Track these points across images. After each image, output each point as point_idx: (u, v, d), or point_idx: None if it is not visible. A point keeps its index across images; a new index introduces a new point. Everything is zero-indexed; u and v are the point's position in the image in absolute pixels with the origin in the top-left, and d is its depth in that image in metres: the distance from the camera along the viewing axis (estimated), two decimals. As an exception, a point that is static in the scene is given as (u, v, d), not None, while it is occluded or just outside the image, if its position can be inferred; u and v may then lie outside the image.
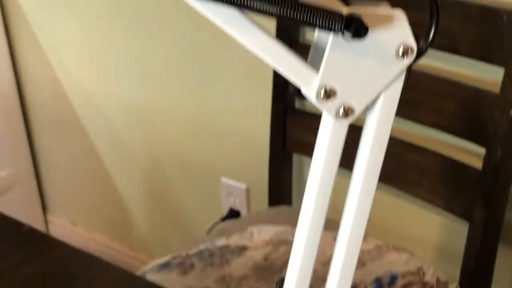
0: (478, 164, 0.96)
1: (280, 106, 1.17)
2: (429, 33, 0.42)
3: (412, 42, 0.41)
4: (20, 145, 1.78)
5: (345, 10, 0.40)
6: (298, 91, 0.43)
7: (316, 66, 0.41)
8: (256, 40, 0.40)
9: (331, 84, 0.41)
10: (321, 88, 0.41)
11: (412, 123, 1.03)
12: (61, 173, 1.84)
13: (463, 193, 0.98)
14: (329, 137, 0.43)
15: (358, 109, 0.42)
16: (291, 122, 1.17)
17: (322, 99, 0.41)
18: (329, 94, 0.41)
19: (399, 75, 0.42)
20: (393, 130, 0.44)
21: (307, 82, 0.41)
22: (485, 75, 0.99)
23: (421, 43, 0.41)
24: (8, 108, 1.72)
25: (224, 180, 1.46)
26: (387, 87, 0.42)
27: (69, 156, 1.78)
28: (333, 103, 0.42)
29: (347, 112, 0.42)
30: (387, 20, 0.40)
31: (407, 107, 0.99)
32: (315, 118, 1.14)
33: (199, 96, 1.42)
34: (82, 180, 1.80)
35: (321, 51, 0.41)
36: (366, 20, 0.38)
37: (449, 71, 1.02)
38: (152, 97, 1.50)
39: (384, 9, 0.40)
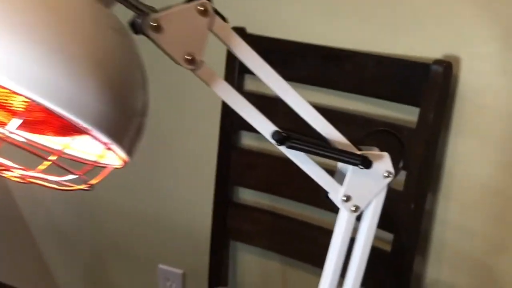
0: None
1: (222, 199, 1.41)
2: (399, 164, 0.71)
3: (392, 170, 0.70)
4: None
5: (359, 151, 0.69)
6: (326, 196, 0.70)
7: (340, 181, 0.69)
8: (310, 170, 0.67)
9: (349, 193, 0.69)
10: (344, 196, 0.69)
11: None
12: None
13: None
14: (344, 225, 0.71)
15: (362, 207, 0.70)
16: (231, 213, 1.41)
17: (343, 202, 0.69)
18: (347, 199, 0.69)
19: (383, 188, 0.71)
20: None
21: (336, 191, 0.69)
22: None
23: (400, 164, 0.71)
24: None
25: (161, 266, 1.66)
26: (376, 195, 0.71)
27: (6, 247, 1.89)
28: (349, 204, 0.70)
29: (356, 209, 0.70)
30: (380, 157, 0.70)
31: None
32: (251, 210, 1.39)
33: (141, 186, 1.61)
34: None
35: (343, 174, 0.69)
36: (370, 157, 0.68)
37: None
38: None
39: (377, 152, 0.70)
